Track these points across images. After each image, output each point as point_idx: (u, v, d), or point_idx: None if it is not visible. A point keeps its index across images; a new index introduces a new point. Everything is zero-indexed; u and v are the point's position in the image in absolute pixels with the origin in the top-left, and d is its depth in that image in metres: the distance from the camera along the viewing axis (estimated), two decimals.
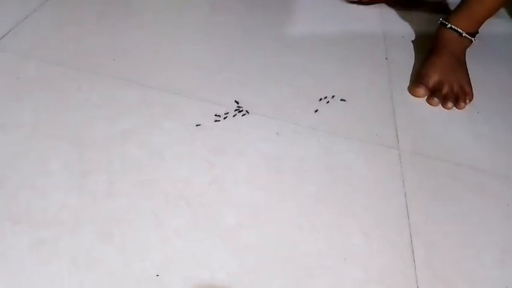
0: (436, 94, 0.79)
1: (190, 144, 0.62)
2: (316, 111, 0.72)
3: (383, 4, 1.07)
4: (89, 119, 0.63)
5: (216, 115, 0.67)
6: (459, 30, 0.84)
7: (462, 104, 0.78)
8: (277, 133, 0.67)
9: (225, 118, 0.67)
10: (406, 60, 0.89)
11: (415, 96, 0.80)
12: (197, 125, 0.65)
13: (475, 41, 0.85)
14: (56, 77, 0.69)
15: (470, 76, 0.83)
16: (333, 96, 0.76)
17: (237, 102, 0.70)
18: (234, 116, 0.68)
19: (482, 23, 0.85)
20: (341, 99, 0.75)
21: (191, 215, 0.53)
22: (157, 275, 0.46)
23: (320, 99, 0.75)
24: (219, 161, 0.60)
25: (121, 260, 0.48)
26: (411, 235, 0.57)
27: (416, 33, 0.98)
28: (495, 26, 1.07)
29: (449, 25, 0.84)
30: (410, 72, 0.86)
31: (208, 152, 0.61)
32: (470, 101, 0.80)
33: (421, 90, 0.79)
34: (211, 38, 0.84)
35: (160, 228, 0.51)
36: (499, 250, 0.57)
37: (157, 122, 0.64)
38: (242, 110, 0.69)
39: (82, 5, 0.86)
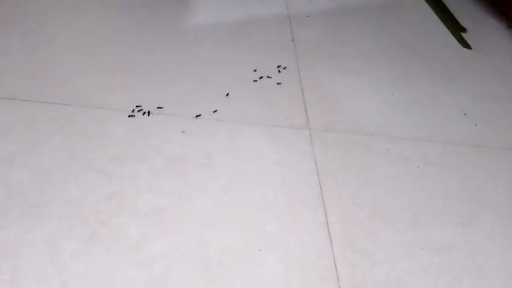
0: None
1: (83, 157, 0.57)
2: (222, 102, 0.70)
3: None
4: None
5: (112, 121, 0.62)
6: None
7: None
8: (182, 131, 0.63)
9: (127, 120, 0.63)
10: (312, 39, 0.89)
11: None
12: (91, 136, 0.60)
13: None
14: None
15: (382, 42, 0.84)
16: (239, 84, 0.74)
17: (137, 106, 0.66)
18: (134, 119, 0.64)
19: None
20: (251, 82, 0.73)
21: (89, 235, 0.49)
22: None
23: (226, 90, 0.72)
24: (117, 170, 0.56)
25: None
26: (326, 212, 0.56)
27: (320, 12, 0.99)
28: None
29: None
30: (317, 50, 0.86)
31: (105, 162, 0.57)
32: None
33: None
34: (105, 41, 0.79)
35: (54, 255, 0.46)
36: (412, 213, 0.58)
37: (46, 138, 0.59)
38: (144, 112, 0.65)
39: None
